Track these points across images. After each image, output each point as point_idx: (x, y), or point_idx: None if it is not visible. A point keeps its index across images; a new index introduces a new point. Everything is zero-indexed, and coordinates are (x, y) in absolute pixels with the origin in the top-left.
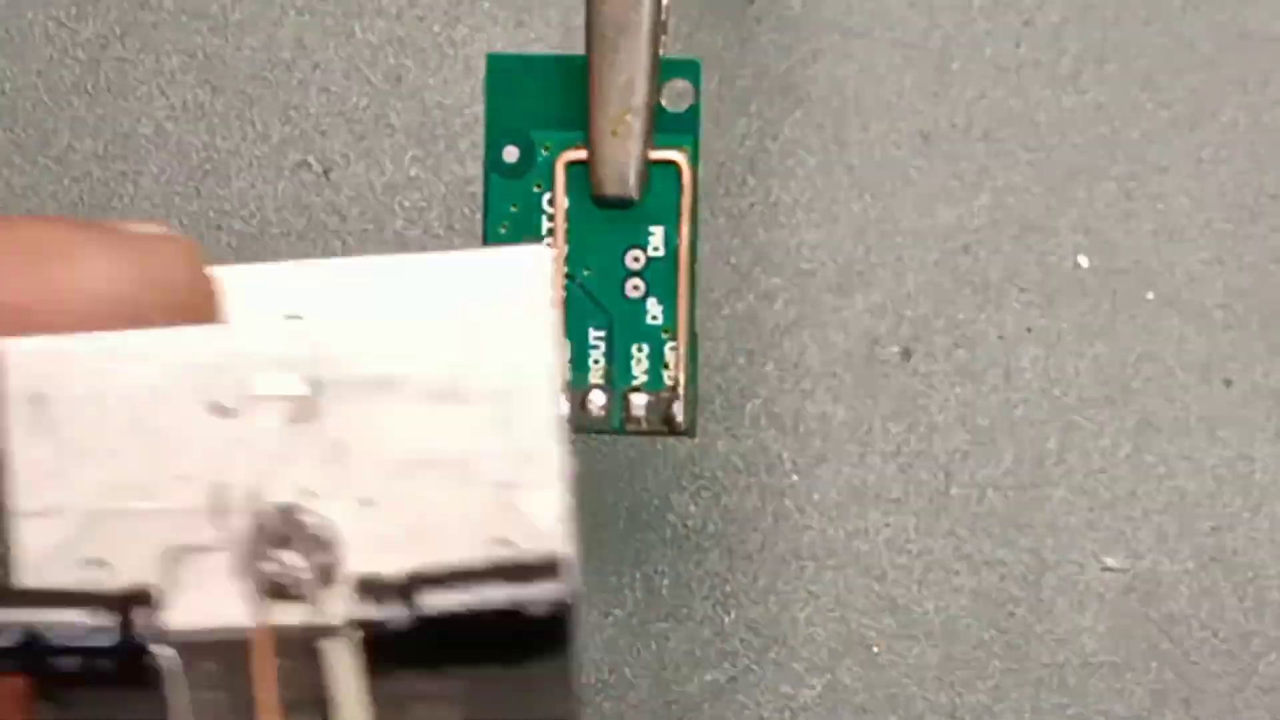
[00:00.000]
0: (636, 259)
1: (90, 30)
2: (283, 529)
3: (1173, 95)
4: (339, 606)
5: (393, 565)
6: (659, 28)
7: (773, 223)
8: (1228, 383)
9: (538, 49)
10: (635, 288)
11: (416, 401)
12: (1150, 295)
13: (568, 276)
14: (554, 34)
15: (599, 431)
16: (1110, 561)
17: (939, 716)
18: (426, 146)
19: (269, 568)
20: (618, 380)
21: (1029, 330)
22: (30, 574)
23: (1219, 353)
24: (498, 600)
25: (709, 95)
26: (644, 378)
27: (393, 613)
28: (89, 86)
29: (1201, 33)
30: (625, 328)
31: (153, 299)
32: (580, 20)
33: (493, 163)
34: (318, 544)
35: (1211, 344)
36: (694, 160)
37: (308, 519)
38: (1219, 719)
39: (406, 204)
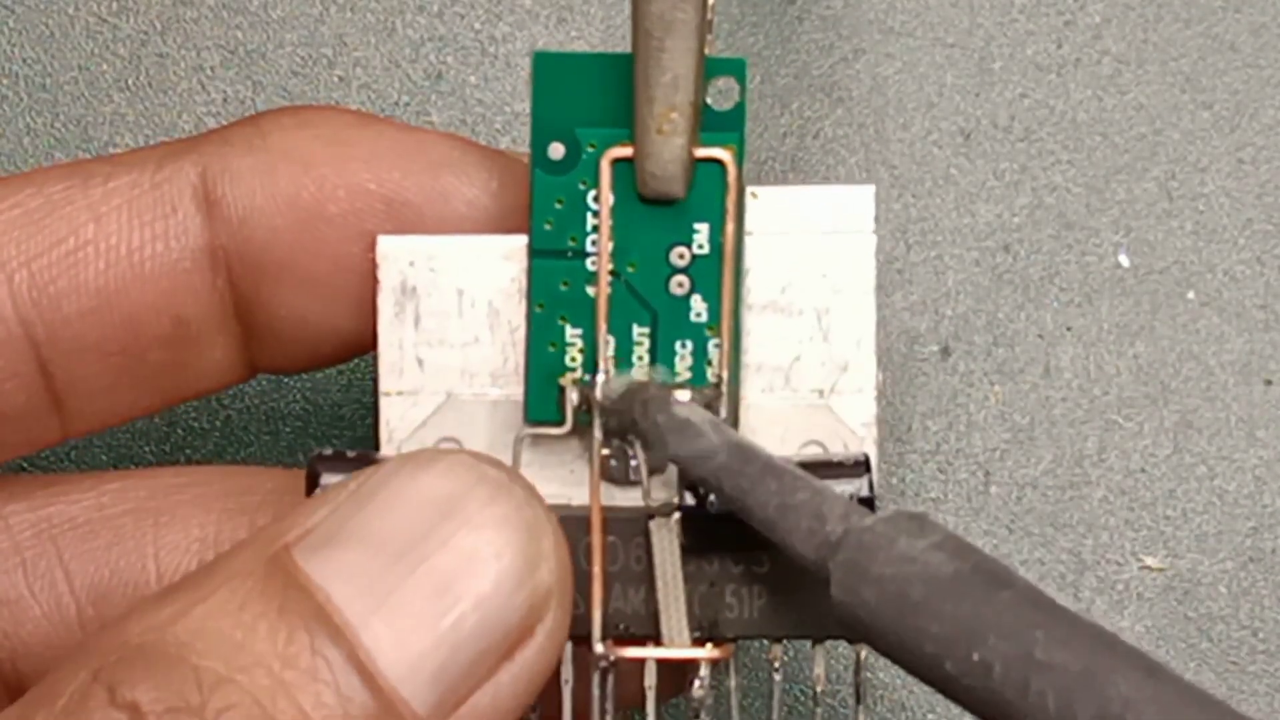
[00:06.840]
0: (681, 256)
1: (131, 26)
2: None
3: (1213, 95)
4: (664, 493)
5: None
6: (705, 26)
7: None
8: (1268, 383)
9: (579, 46)
10: (680, 285)
11: (749, 311)
12: (1190, 295)
13: (612, 273)
14: (595, 31)
15: None
16: (1149, 561)
17: None
18: None
19: (607, 455)
20: (662, 377)
21: (1068, 329)
22: (391, 448)
23: (1259, 353)
24: None
25: (750, 94)
26: (688, 374)
27: (711, 500)
28: (129, 82)
29: (1243, 33)
30: (669, 324)
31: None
32: (623, 18)
33: (539, 159)
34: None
35: (1251, 344)
36: (739, 158)
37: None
38: None
39: None
